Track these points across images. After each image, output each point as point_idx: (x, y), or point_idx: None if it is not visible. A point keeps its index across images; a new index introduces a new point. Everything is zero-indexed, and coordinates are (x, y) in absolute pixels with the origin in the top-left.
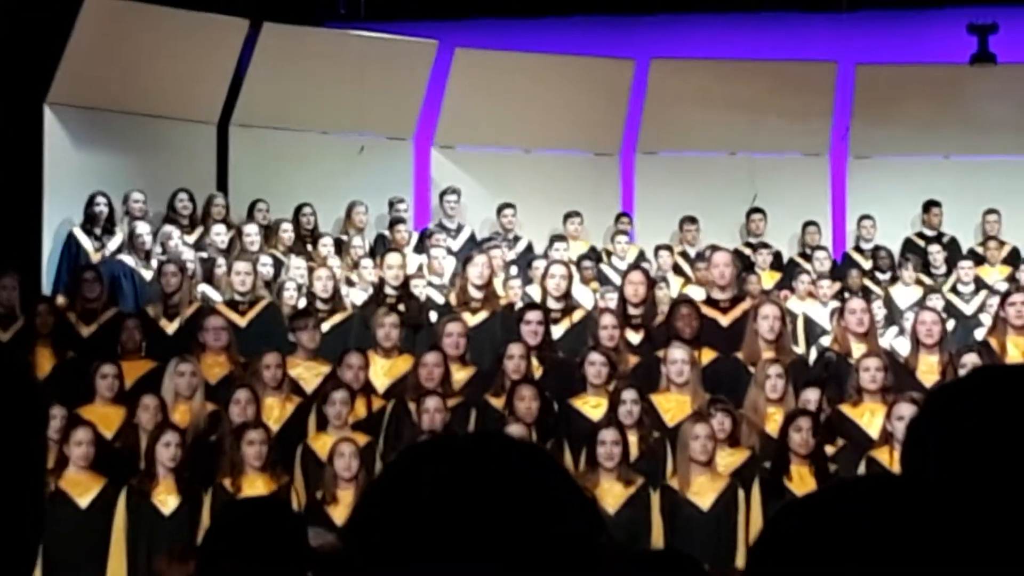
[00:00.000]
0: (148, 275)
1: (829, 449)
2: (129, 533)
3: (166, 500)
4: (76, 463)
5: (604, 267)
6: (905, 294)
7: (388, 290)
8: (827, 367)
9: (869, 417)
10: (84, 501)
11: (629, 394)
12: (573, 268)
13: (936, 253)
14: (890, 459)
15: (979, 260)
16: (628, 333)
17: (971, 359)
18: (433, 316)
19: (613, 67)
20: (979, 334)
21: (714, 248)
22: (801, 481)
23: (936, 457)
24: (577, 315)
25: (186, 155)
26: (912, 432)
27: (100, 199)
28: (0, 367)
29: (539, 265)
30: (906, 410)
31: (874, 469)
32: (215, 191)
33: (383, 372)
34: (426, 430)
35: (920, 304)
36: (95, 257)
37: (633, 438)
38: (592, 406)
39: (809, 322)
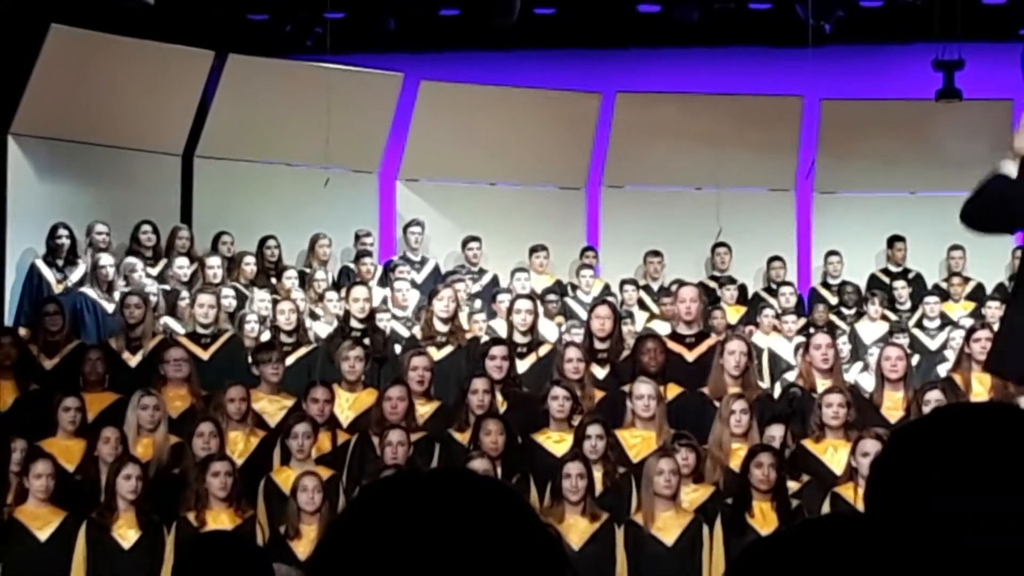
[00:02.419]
0: (110, 307)
1: (792, 485)
2: (89, 567)
3: (126, 533)
4: (36, 496)
5: (569, 301)
6: (870, 330)
7: (353, 323)
8: (792, 402)
9: (832, 453)
10: (44, 534)
11: (594, 429)
12: (538, 302)
13: (901, 289)
14: (854, 495)
15: (944, 296)
16: (594, 367)
17: (935, 395)
18: (397, 349)
19: (579, 101)
20: (943, 369)
21: (680, 283)
22: (763, 517)
23: (899, 496)
24: (543, 350)
25: (150, 187)
26: (876, 471)
27: (63, 230)
28: None
29: (504, 299)
30: (871, 446)
31: (838, 505)
32: (179, 223)
33: (348, 405)
34: (389, 464)
35: (885, 340)
36: (57, 288)
37: (598, 473)
38: (555, 441)
39: (774, 357)
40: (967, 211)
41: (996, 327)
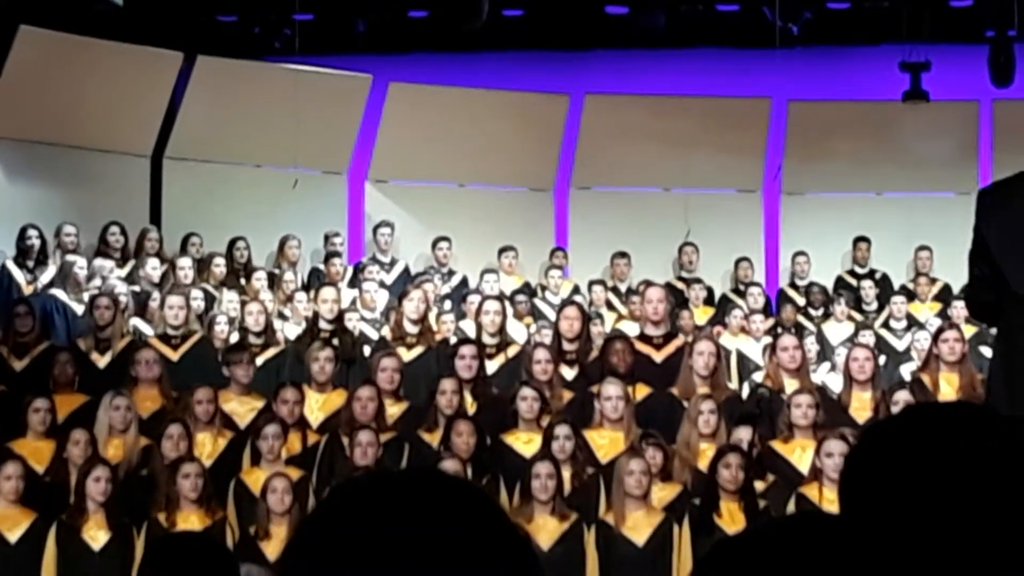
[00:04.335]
0: (80, 308)
1: (759, 485)
2: (59, 568)
3: (96, 535)
4: (6, 497)
5: (538, 302)
6: (837, 330)
7: (322, 324)
8: (759, 403)
9: (800, 453)
10: (13, 536)
11: (562, 429)
12: (507, 303)
13: (868, 289)
14: (819, 495)
15: (911, 296)
16: (562, 368)
17: (904, 396)
18: (367, 350)
19: (547, 102)
20: (908, 369)
21: (648, 283)
22: (730, 517)
23: (871, 495)
24: (512, 351)
25: (119, 188)
26: (847, 470)
27: (32, 232)
28: None
29: (473, 300)
30: (835, 447)
31: (803, 505)
32: (148, 224)
33: (317, 407)
34: (359, 465)
35: (852, 340)
36: (27, 290)
37: (567, 473)
38: (524, 442)
39: (742, 358)
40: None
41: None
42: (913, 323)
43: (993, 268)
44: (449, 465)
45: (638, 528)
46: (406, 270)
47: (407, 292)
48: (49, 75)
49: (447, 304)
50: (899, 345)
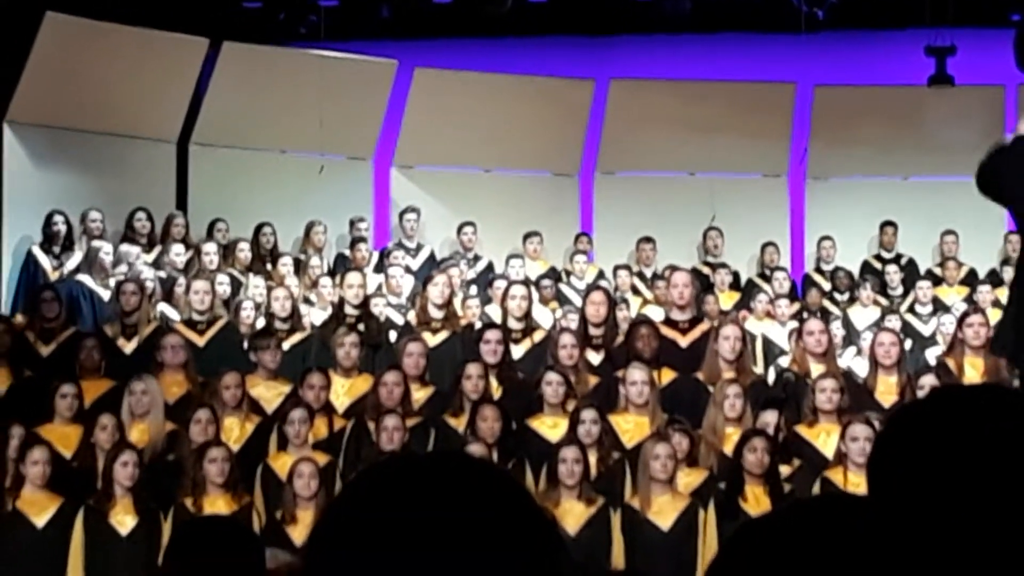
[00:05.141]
0: (106, 294)
1: (785, 469)
2: (87, 553)
3: (124, 520)
4: (33, 482)
5: (563, 287)
6: (863, 315)
7: (348, 309)
8: (786, 387)
9: (824, 438)
10: (41, 521)
11: (588, 414)
12: (532, 288)
13: (894, 274)
14: (844, 479)
15: (937, 281)
16: (588, 353)
17: (929, 380)
18: (392, 336)
19: (573, 87)
20: (934, 354)
21: (673, 268)
22: (756, 501)
23: (899, 478)
24: (538, 335)
25: (145, 174)
26: (875, 453)
27: (58, 218)
28: None
29: (499, 285)
30: (860, 431)
31: (828, 489)
32: (174, 210)
33: (343, 392)
34: (385, 449)
35: (878, 325)
36: (53, 276)
37: (592, 458)
38: (549, 426)
39: (767, 343)
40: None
41: (1002, 312)
42: (939, 308)
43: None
44: (475, 450)
45: (663, 513)
46: (431, 255)
47: (432, 277)
48: (75, 61)
49: (472, 289)
50: (925, 330)
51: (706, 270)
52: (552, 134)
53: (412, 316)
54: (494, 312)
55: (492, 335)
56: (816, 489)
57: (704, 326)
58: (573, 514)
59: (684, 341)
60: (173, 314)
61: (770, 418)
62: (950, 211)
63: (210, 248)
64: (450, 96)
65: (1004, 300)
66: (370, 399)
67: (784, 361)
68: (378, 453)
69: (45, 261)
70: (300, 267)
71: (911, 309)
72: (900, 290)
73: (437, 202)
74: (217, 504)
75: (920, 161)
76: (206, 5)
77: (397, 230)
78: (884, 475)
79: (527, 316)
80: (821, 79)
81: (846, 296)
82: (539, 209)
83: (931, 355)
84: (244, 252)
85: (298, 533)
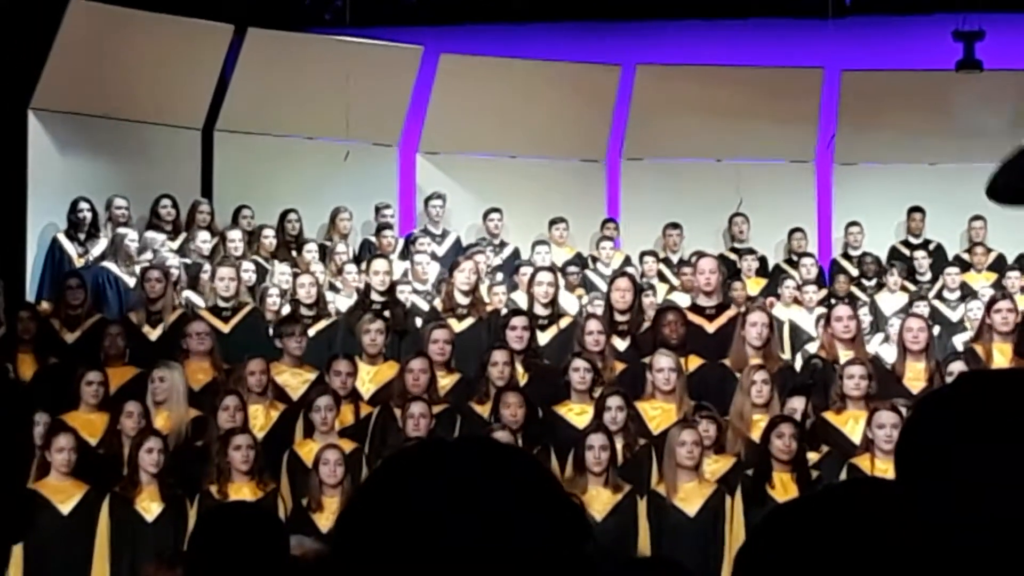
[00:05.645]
0: (131, 281)
1: (812, 456)
2: (112, 540)
3: (149, 507)
4: (58, 469)
5: (589, 273)
6: (891, 301)
7: (374, 296)
8: (813, 374)
9: (852, 424)
10: (66, 508)
11: (614, 400)
12: (559, 275)
13: (922, 259)
14: (871, 466)
15: (965, 267)
16: (614, 339)
17: (958, 366)
18: (418, 322)
19: (599, 73)
20: (961, 339)
21: (700, 254)
22: (783, 488)
23: (927, 464)
24: (564, 322)
25: (170, 160)
26: (903, 439)
27: (83, 204)
28: None
29: (525, 271)
30: (887, 418)
31: (855, 476)
32: (200, 197)
33: (369, 379)
34: (411, 436)
35: (906, 311)
36: (79, 263)
37: (618, 445)
38: (576, 413)
39: (795, 329)
40: (993, 181)
41: None
42: (967, 293)
43: None
44: (501, 436)
45: (689, 499)
46: (457, 242)
47: (458, 263)
48: (100, 48)
49: (499, 276)
50: (953, 316)
51: (733, 256)
52: (578, 120)
53: (438, 303)
54: (520, 299)
55: (518, 321)
56: (843, 476)
57: (731, 312)
58: (600, 501)
59: (711, 327)
60: (198, 301)
61: (797, 404)
62: (978, 196)
63: (235, 235)
64: (476, 82)
65: None
66: (396, 386)
67: (812, 347)
68: (404, 440)
69: (70, 248)
70: (325, 254)
71: (939, 295)
72: (928, 276)
73: (463, 188)
74: (242, 491)
75: (948, 146)
76: None
77: (423, 216)
78: (911, 462)
79: (553, 303)
80: (848, 64)
81: (874, 282)
82: (565, 195)
83: (959, 341)
84: (269, 239)
85: (324, 520)
